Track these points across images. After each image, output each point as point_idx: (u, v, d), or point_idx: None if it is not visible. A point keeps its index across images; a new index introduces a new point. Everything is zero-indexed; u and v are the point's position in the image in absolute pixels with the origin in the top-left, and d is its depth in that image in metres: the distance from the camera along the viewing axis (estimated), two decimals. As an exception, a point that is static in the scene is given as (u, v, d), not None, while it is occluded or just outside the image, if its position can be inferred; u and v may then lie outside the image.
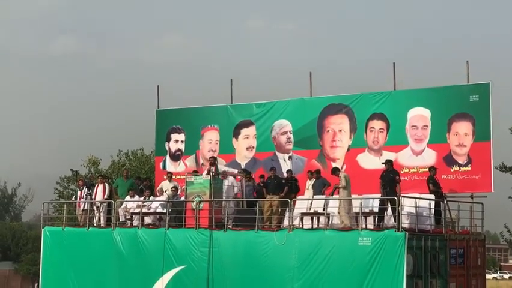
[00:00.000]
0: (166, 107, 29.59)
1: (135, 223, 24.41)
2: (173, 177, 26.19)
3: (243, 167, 26.64)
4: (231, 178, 24.34)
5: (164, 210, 23.81)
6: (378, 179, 21.40)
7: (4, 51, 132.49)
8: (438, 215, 21.37)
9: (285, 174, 24.85)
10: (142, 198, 24.98)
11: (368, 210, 20.77)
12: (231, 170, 24.87)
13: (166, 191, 24.80)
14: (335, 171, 22.21)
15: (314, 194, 22.78)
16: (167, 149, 29.11)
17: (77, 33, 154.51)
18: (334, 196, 21.51)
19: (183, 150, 28.78)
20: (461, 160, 23.32)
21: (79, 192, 26.54)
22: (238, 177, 24.76)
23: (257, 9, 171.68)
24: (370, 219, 20.65)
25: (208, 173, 23.36)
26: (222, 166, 24.83)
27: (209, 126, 28.27)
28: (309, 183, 23.33)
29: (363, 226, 20.23)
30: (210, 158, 25.28)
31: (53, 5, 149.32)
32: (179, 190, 24.97)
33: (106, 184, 26.01)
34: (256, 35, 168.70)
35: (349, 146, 25.31)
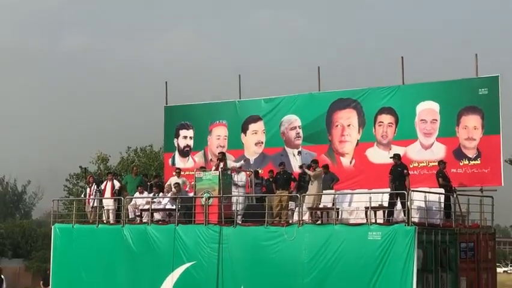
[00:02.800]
0: (175, 103, 29.61)
1: (145, 219, 24.43)
2: (182, 173, 26.19)
3: (252, 162, 26.66)
4: (242, 174, 24.20)
5: (174, 207, 23.82)
6: (389, 174, 21.36)
7: (15, 47, 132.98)
8: (448, 209, 21.30)
9: (295, 169, 24.78)
10: (151, 195, 24.99)
11: (377, 205, 20.72)
12: (238, 164, 24.71)
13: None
14: (313, 162, 22.58)
15: (323, 188, 22.71)
16: (176, 145, 29.13)
17: (85, 30, 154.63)
18: (344, 191, 21.44)
19: (192, 146, 28.80)
20: (471, 154, 23.21)
21: (88, 189, 26.55)
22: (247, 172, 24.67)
23: (265, 4, 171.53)
24: (380, 213, 20.61)
25: (216, 169, 23.34)
26: (230, 162, 24.80)
27: (217, 122, 28.26)
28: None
29: (373, 221, 20.20)
30: (218, 153, 25.24)
31: (60, 1, 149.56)
32: (188, 186, 24.95)
33: (115, 181, 26.03)
34: (265, 29, 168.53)
35: (358, 140, 25.25)
